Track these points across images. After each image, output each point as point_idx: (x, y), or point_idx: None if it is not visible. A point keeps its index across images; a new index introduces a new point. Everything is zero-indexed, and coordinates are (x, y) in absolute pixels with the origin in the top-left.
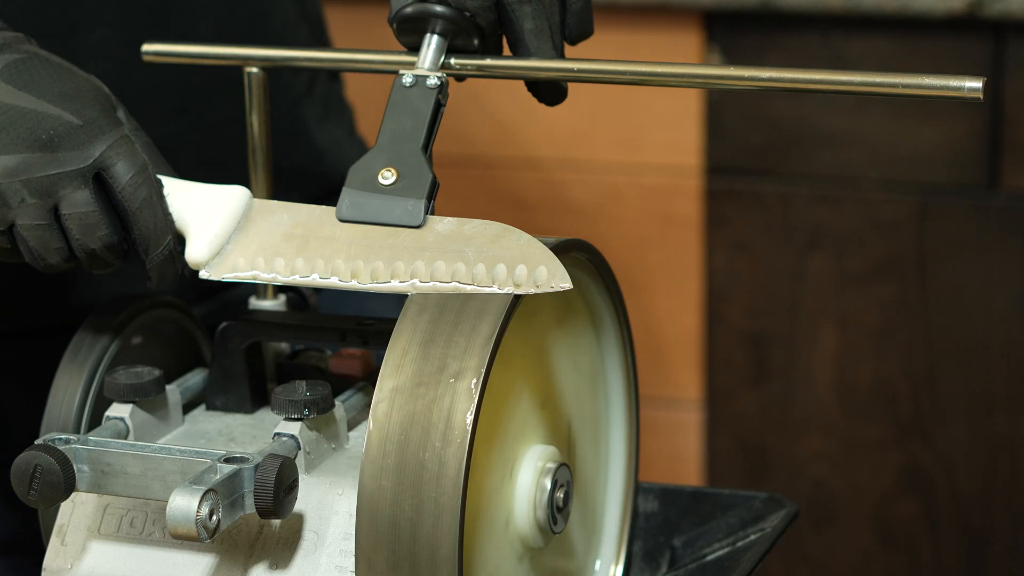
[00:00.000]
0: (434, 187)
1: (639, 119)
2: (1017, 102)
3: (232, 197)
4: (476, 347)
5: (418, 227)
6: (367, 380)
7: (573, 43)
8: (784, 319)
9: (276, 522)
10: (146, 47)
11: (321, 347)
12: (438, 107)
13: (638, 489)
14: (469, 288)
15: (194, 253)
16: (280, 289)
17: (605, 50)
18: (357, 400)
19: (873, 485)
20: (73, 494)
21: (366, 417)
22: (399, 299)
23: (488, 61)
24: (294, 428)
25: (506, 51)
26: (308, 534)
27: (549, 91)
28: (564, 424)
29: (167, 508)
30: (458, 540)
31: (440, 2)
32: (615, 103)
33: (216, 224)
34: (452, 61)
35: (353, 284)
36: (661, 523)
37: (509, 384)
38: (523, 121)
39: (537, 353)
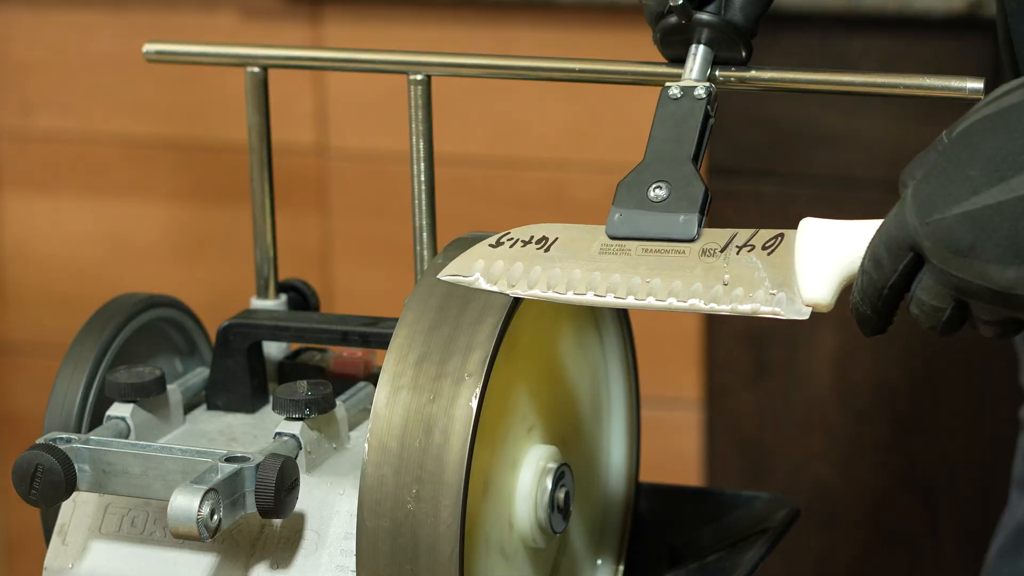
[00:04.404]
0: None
1: (639, 119)
2: None
3: None
4: (477, 347)
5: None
6: (368, 380)
7: None
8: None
9: (277, 522)
10: (146, 47)
11: (322, 347)
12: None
13: (638, 489)
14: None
15: None
16: (281, 288)
17: (606, 50)
18: (358, 400)
19: (873, 485)
20: (74, 493)
21: (367, 417)
22: None
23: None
24: (295, 428)
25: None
26: (309, 534)
27: None
28: (565, 424)
29: (168, 507)
30: (459, 540)
31: (707, 11)
32: (615, 103)
33: None
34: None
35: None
36: (661, 523)
37: (510, 383)
38: (523, 121)
39: (538, 352)
